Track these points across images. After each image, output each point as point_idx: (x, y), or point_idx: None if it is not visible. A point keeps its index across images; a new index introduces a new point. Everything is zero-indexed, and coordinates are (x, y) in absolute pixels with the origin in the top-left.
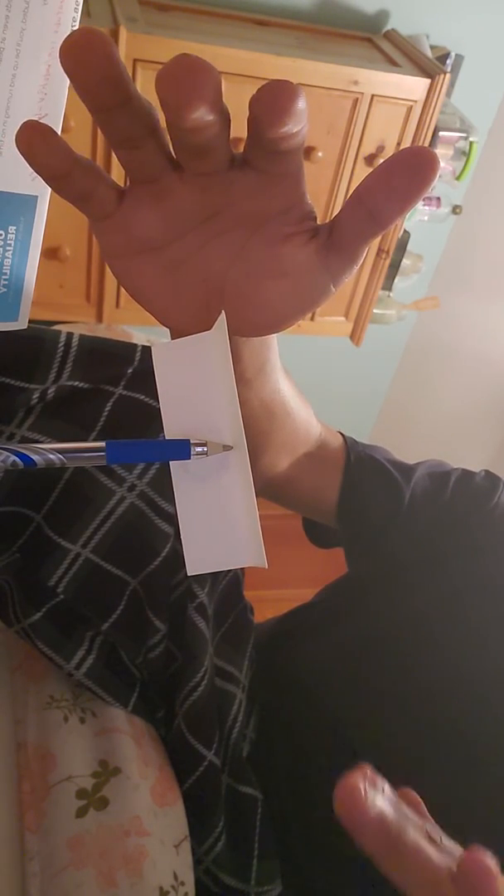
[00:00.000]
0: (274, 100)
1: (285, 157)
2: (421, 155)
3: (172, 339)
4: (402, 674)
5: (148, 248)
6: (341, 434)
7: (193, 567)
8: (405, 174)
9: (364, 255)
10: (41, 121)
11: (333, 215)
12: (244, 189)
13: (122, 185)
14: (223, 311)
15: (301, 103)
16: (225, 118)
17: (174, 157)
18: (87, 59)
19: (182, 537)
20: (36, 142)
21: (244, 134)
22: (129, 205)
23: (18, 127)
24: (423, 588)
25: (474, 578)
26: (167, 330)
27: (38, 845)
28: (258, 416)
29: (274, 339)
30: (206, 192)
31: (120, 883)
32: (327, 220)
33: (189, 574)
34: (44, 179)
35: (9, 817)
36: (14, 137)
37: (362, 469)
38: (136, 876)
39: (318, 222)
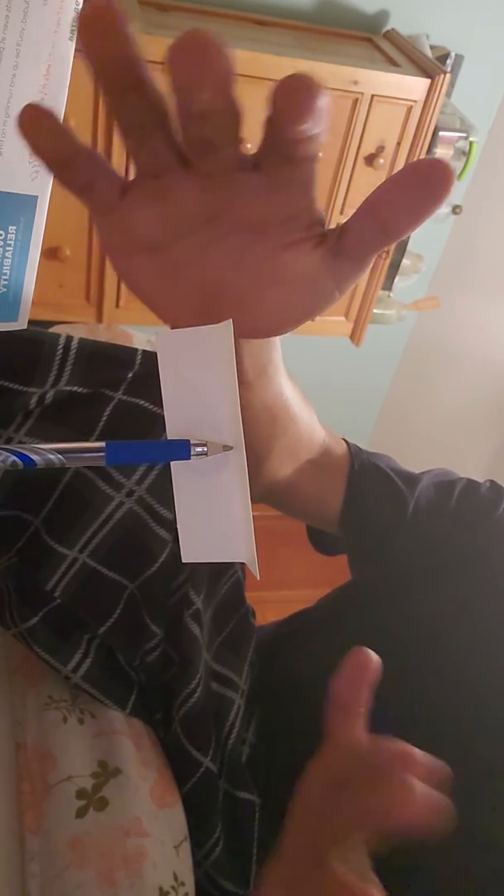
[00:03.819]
0: (295, 94)
1: (300, 163)
2: (438, 168)
3: None
4: (407, 680)
5: (148, 246)
6: (345, 441)
7: (187, 555)
8: (421, 187)
9: (372, 262)
10: None
11: (331, 215)
12: (252, 193)
13: (125, 178)
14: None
15: (323, 100)
16: (236, 111)
17: (182, 153)
18: (102, 34)
19: (178, 526)
20: (38, 125)
21: (246, 134)
22: (132, 200)
23: (20, 110)
24: (428, 595)
25: (479, 587)
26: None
27: (38, 846)
28: (260, 420)
29: (277, 342)
30: (211, 193)
31: (120, 883)
32: (335, 226)
33: (183, 562)
34: (44, 165)
35: (8, 818)
36: (14, 137)
37: (366, 477)
38: (137, 876)
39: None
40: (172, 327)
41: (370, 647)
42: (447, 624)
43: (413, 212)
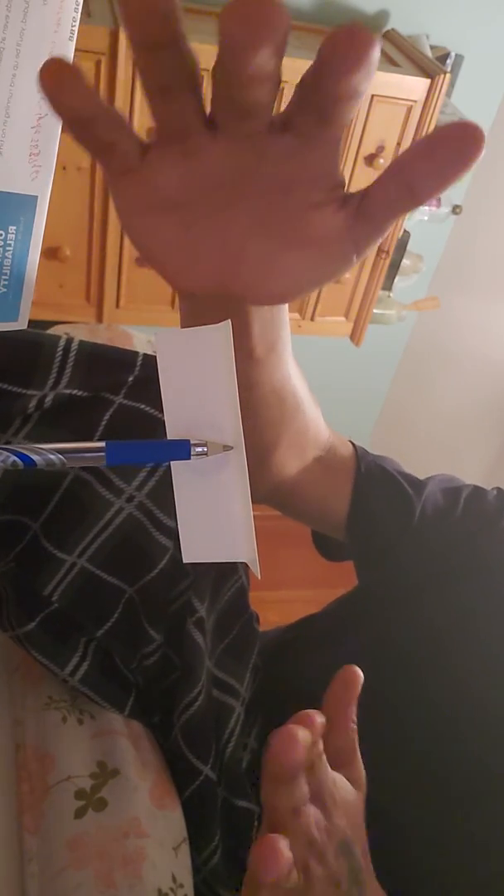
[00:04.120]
0: (351, 40)
1: (335, 123)
2: (470, 129)
3: (181, 302)
4: (412, 688)
5: (167, 207)
6: (351, 443)
7: (188, 555)
8: (453, 148)
9: (391, 227)
10: (41, 120)
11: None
12: (279, 155)
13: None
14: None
15: (377, 52)
16: (279, 77)
17: (209, 117)
18: None
19: (179, 526)
20: (61, 80)
21: None
22: (154, 161)
23: (43, 63)
24: (433, 605)
25: (484, 597)
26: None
27: (37, 846)
28: (269, 403)
29: (286, 318)
30: (237, 156)
31: (119, 884)
32: (358, 189)
33: (184, 562)
34: (65, 124)
35: (8, 819)
36: (14, 137)
37: (373, 480)
38: (135, 877)
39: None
40: (184, 294)
41: (375, 657)
42: (451, 633)
43: (442, 174)
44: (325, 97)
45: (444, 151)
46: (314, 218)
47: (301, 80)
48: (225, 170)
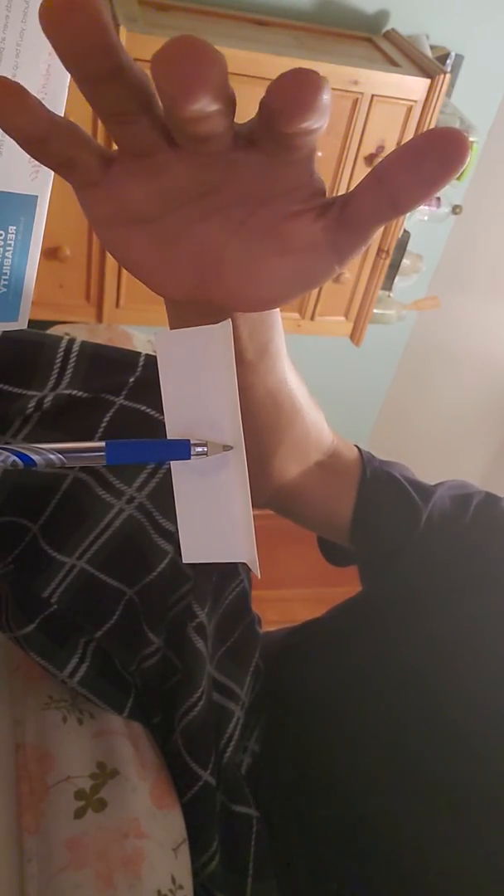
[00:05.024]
0: (295, 92)
1: (297, 150)
2: (453, 137)
3: (168, 309)
4: (421, 702)
5: (137, 221)
6: (357, 448)
7: (188, 555)
8: (435, 157)
9: (374, 235)
10: None
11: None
12: (248, 170)
13: (109, 149)
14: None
15: (326, 96)
16: (230, 105)
17: (170, 134)
18: (69, 23)
19: (179, 526)
20: (6, 101)
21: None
22: (119, 175)
23: None
24: (438, 617)
25: (492, 610)
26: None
27: (36, 846)
28: (265, 407)
29: (277, 321)
30: (205, 170)
31: (118, 885)
32: (339, 196)
33: (184, 562)
34: (18, 143)
35: (7, 819)
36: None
37: (378, 486)
38: (135, 878)
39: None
40: (168, 300)
41: (382, 674)
42: (457, 645)
43: (425, 184)
44: (280, 134)
45: (426, 160)
46: (292, 227)
47: (260, 104)
48: (194, 185)
